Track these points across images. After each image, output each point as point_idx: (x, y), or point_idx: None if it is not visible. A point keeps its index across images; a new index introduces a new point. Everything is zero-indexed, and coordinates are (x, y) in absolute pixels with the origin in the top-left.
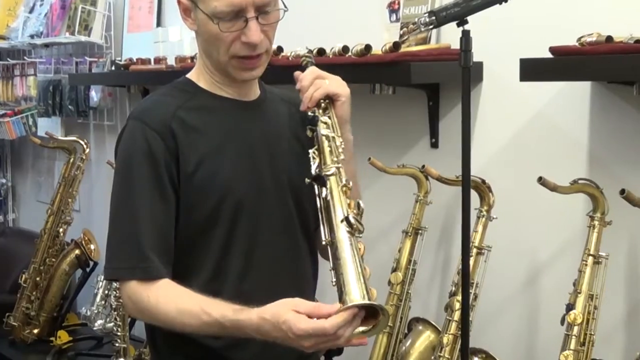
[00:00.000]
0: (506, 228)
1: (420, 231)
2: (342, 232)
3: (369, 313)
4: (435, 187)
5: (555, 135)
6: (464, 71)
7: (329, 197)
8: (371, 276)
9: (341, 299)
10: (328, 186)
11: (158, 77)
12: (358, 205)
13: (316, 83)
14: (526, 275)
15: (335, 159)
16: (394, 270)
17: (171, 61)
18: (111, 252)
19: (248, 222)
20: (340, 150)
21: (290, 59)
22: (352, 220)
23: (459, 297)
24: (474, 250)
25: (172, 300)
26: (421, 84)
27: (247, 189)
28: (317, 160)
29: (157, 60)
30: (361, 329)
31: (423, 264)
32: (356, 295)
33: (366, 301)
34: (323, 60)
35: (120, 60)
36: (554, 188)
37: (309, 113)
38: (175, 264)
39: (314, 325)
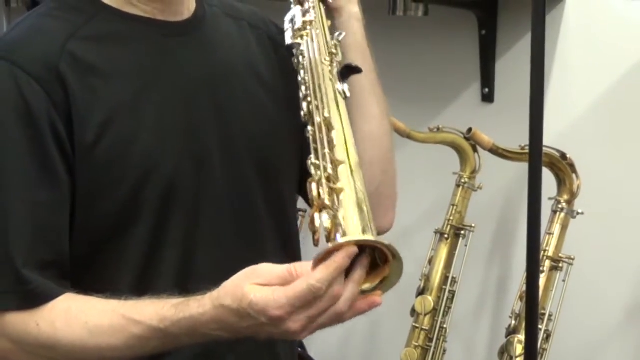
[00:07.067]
0: (598, 230)
1: (463, 232)
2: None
3: (372, 261)
4: (488, 163)
5: None
6: None
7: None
8: (385, 299)
9: (330, 238)
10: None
11: None
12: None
13: None
14: (631, 304)
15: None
16: (421, 292)
17: None
18: None
19: (184, 214)
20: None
21: None
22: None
23: (522, 337)
24: (547, 264)
25: (77, 317)
26: (469, 1)
27: (181, 163)
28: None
29: None
30: (364, 286)
31: (467, 284)
32: (354, 227)
33: (368, 237)
34: None
35: None
36: None
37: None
38: (73, 281)
39: (296, 291)
